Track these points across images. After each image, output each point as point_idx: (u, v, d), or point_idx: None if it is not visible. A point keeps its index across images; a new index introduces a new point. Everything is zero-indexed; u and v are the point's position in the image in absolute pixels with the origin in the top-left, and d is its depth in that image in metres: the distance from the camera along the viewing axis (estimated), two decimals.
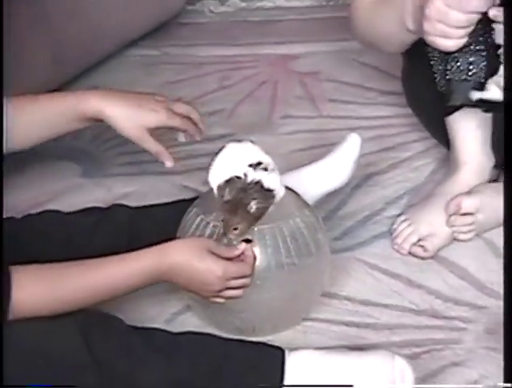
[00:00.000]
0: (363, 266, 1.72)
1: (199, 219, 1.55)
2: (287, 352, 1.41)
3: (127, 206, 1.70)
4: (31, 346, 1.35)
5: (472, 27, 1.59)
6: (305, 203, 1.61)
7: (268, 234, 1.52)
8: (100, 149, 2.10)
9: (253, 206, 1.48)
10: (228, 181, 1.49)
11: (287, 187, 1.62)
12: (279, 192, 1.52)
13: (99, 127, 2.12)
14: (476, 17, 1.58)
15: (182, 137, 1.61)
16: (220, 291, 1.47)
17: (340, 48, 2.35)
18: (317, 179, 1.74)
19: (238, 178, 1.49)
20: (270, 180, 1.50)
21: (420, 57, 1.74)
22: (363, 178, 1.94)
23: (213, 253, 1.45)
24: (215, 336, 1.46)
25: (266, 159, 1.51)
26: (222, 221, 1.49)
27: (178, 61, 2.42)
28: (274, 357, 1.41)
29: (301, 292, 1.57)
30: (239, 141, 1.55)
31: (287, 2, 2.64)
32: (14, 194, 1.87)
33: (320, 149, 1.85)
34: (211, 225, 1.53)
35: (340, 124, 2.03)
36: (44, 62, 2.15)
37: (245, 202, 1.48)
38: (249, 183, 1.48)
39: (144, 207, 1.69)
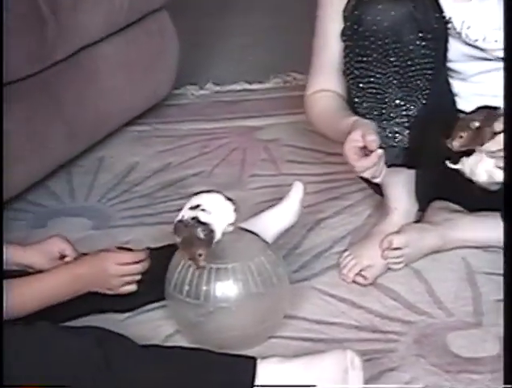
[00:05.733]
0: (316, 292, 1.71)
1: (183, 261, 1.55)
2: (258, 360, 1.40)
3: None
4: (57, 348, 1.34)
5: (374, 164, 1.54)
6: (267, 243, 1.60)
7: (239, 270, 1.52)
8: (106, 206, 2.09)
9: (200, 233, 1.49)
10: (175, 226, 1.51)
11: (252, 232, 1.61)
12: (215, 227, 1.52)
13: (105, 188, 2.14)
14: (374, 168, 1.53)
15: None
16: (121, 285, 1.54)
17: (294, 119, 2.35)
18: (274, 222, 1.72)
19: (180, 221, 1.51)
20: (205, 217, 1.51)
21: None
22: (314, 222, 1.93)
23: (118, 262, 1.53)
24: (199, 348, 1.46)
25: (206, 203, 1.52)
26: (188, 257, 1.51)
27: (166, 134, 2.41)
28: (248, 362, 1.40)
29: (267, 315, 1.55)
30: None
31: (251, 85, 2.64)
32: None
33: (280, 200, 1.83)
34: None
35: (295, 180, 2.02)
36: (58, 140, 2.13)
37: (193, 234, 1.49)
38: (188, 221, 1.50)
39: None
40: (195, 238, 1.49)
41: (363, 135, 1.55)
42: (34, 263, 1.60)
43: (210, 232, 1.50)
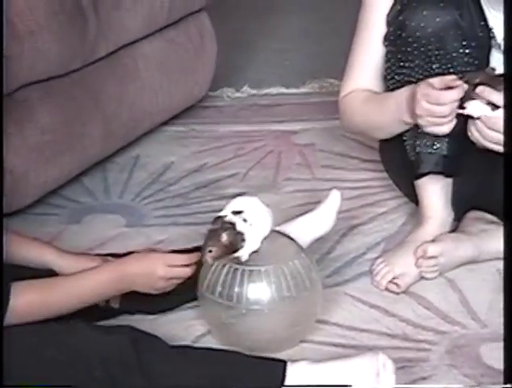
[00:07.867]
0: (348, 298, 1.69)
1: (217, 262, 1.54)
2: (288, 363, 1.39)
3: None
4: (91, 346, 1.33)
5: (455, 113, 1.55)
6: (301, 247, 1.59)
7: (272, 273, 1.51)
8: (140, 205, 2.09)
9: (223, 236, 1.47)
10: (217, 218, 1.50)
11: (286, 235, 1.60)
12: (251, 242, 1.50)
13: (140, 187, 2.14)
14: (455, 104, 1.54)
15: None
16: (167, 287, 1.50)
17: (330, 125, 2.34)
18: (308, 227, 1.71)
19: (220, 217, 1.49)
20: (245, 228, 1.49)
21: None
22: (348, 228, 1.91)
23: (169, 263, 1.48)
24: (229, 351, 1.45)
25: (252, 214, 1.50)
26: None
27: (202, 135, 2.41)
28: (278, 365, 1.39)
29: (299, 319, 1.54)
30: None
31: (288, 89, 2.63)
32: (72, 240, 1.85)
33: (313, 204, 1.82)
34: (227, 265, 1.52)
35: (330, 185, 2.00)
36: (94, 137, 2.13)
37: (218, 233, 1.47)
38: (226, 222, 1.48)
39: (176, 250, 1.66)
40: (216, 236, 1.48)
41: (436, 81, 1.54)
42: (61, 268, 1.52)
43: (238, 240, 1.48)
